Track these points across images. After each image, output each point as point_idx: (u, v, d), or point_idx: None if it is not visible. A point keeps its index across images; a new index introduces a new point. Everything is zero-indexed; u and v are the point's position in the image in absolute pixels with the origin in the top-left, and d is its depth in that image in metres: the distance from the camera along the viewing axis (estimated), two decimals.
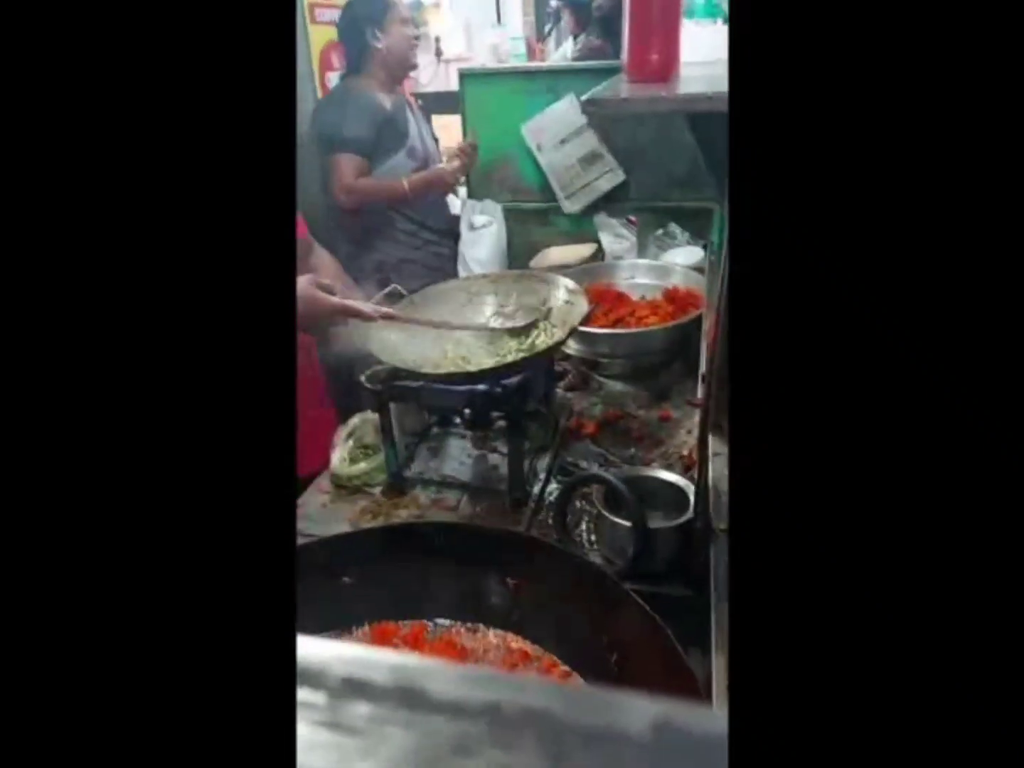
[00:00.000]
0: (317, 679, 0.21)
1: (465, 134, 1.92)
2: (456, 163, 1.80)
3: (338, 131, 1.72)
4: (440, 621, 0.67)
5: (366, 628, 0.66)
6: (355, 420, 1.16)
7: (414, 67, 1.93)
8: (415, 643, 0.65)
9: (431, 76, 3.91)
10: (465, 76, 1.87)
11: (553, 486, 1.01)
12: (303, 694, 0.21)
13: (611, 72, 1.16)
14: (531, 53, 3.58)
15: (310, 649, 0.22)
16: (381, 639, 0.64)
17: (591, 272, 1.56)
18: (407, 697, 0.33)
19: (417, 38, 1.82)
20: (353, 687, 0.32)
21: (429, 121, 2.25)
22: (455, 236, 2.03)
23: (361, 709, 0.28)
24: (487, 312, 1.17)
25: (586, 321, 1.06)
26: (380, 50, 1.75)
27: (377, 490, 1.06)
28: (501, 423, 1.08)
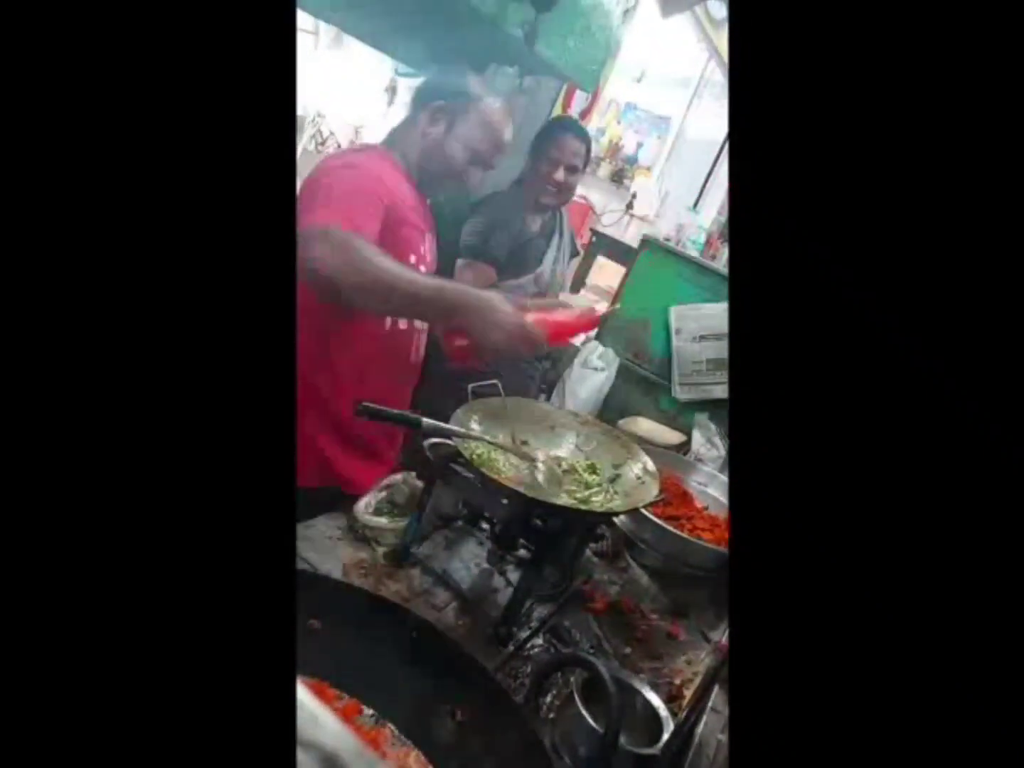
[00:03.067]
0: None
1: (624, 285, 2.02)
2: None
3: (479, 240, 1.77)
4: (376, 715, 0.64)
5: (309, 679, 0.64)
6: (398, 476, 1.17)
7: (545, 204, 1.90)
8: (344, 718, 0.62)
9: (615, 221, 4.19)
10: (647, 241, 1.99)
11: (539, 641, 0.97)
12: None
13: None
14: (708, 245, 3.76)
15: None
16: (318, 697, 0.62)
17: (668, 459, 1.56)
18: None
19: (561, 183, 1.83)
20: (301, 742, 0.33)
21: (575, 254, 2.31)
22: (557, 361, 2.09)
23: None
24: (564, 448, 1.18)
25: (649, 506, 1.05)
26: (526, 174, 1.87)
27: (381, 551, 1.05)
28: (524, 553, 1.07)
